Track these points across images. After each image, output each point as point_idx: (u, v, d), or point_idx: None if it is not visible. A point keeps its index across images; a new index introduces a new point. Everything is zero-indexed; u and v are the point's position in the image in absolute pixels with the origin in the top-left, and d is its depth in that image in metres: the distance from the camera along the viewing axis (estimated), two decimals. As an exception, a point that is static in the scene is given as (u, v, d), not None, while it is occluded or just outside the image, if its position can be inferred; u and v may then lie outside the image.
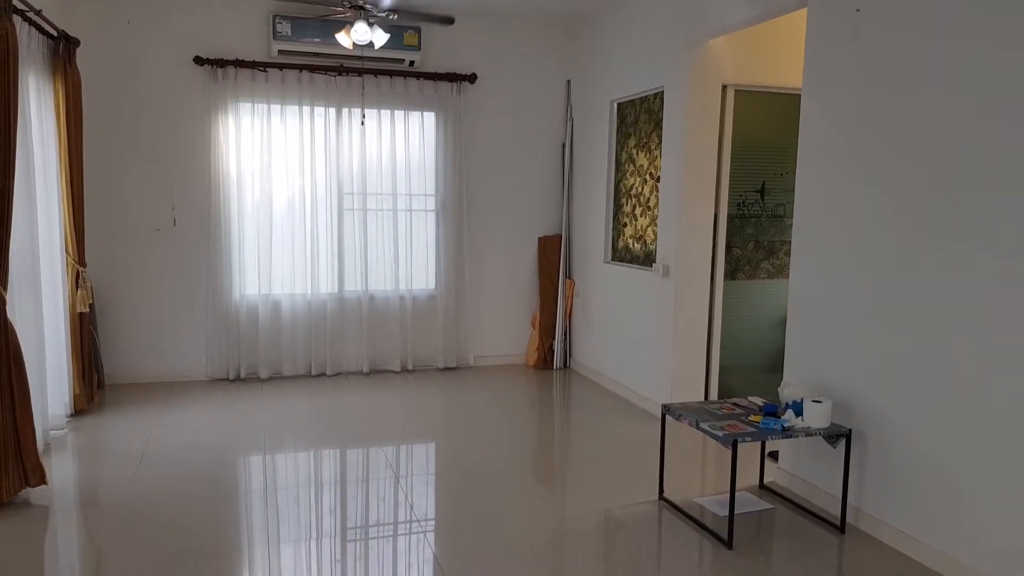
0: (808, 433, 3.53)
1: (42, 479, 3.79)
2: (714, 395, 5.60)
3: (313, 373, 6.57)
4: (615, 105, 6.34)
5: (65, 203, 4.95)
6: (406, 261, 6.74)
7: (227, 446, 4.75)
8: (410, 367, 6.84)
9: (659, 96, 5.68)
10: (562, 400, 6.18)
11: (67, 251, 5.02)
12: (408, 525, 3.68)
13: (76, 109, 5.02)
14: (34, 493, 3.85)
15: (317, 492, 4.06)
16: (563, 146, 7.12)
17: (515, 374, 6.88)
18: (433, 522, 3.71)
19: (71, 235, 5.03)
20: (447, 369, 6.94)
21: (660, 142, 5.66)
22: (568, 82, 7.07)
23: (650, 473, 4.42)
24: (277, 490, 4.05)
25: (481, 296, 7.08)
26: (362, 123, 6.41)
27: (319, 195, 6.41)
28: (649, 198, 5.84)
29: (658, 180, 5.70)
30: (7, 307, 3.62)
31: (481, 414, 5.61)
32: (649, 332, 5.73)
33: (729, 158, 5.46)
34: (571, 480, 4.34)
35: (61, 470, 4.23)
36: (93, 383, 5.42)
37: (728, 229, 5.54)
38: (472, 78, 6.68)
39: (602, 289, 6.51)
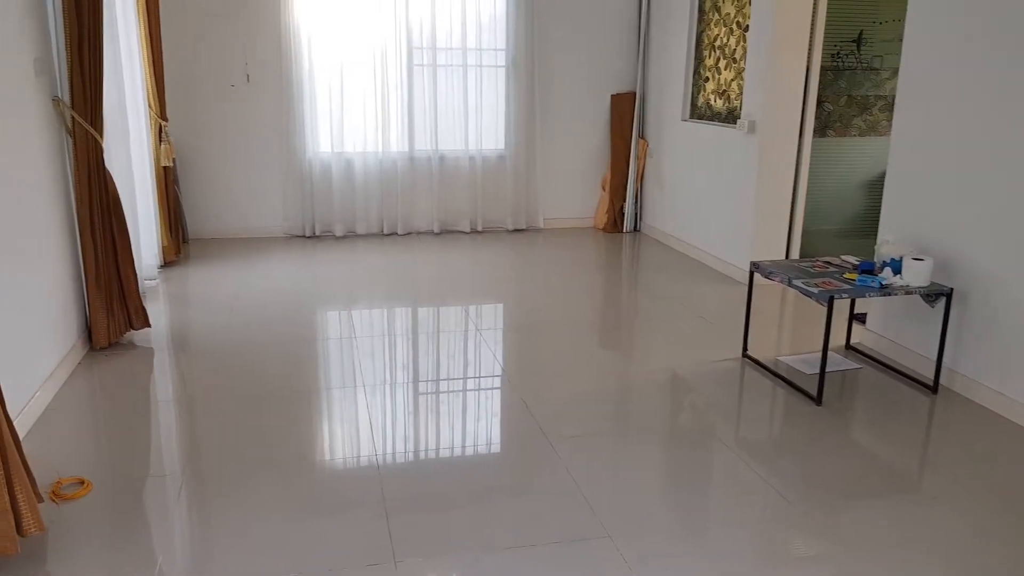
0: (908, 292, 3.45)
1: (146, 322, 3.95)
2: (795, 257, 5.49)
3: (385, 232, 6.62)
4: (701, -50, 5.93)
5: (146, 56, 4.91)
6: (476, 120, 6.61)
7: (307, 300, 4.88)
8: (479, 228, 6.84)
9: (752, -62, 5.28)
10: (634, 262, 6.15)
11: (149, 105, 5.02)
12: (477, 380, 3.76)
13: (147, -44, 4.89)
14: (138, 336, 4.03)
15: (391, 343, 4.17)
16: (639, -3, 6.76)
17: (584, 236, 6.85)
18: (514, 372, 3.79)
19: (152, 89, 5.02)
20: (516, 231, 6.93)
21: (750, -11, 5.31)
22: (648, -74, 6.62)
23: (730, 332, 4.42)
24: (356, 340, 4.16)
25: (551, 157, 6.95)
26: None
27: (388, 50, 6.24)
28: (735, 50, 5.54)
29: (746, 30, 5.39)
30: (104, 155, 3.66)
31: (553, 275, 5.62)
32: (729, 193, 5.58)
33: (825, 4, 5.12)
34: (650, 337, 4.36)
35: (158, 317, 4.41)
36: (179, 237, 5.55)
37: (820, 82, 5.27)
38: (547, -78, 6.30)
39: (678, 148, 6.32)
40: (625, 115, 6.90)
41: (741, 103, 5.46)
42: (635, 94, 6.85)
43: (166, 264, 5.35)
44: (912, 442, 3.15)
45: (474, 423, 3.26)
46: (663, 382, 3.69)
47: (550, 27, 6.62)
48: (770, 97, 5.12)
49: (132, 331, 3.94)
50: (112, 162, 4.02)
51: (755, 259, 5.36)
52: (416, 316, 4.64)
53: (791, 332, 4.54)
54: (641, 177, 6.96)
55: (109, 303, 3.75)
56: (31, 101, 3.28)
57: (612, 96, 6.92)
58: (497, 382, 3.67)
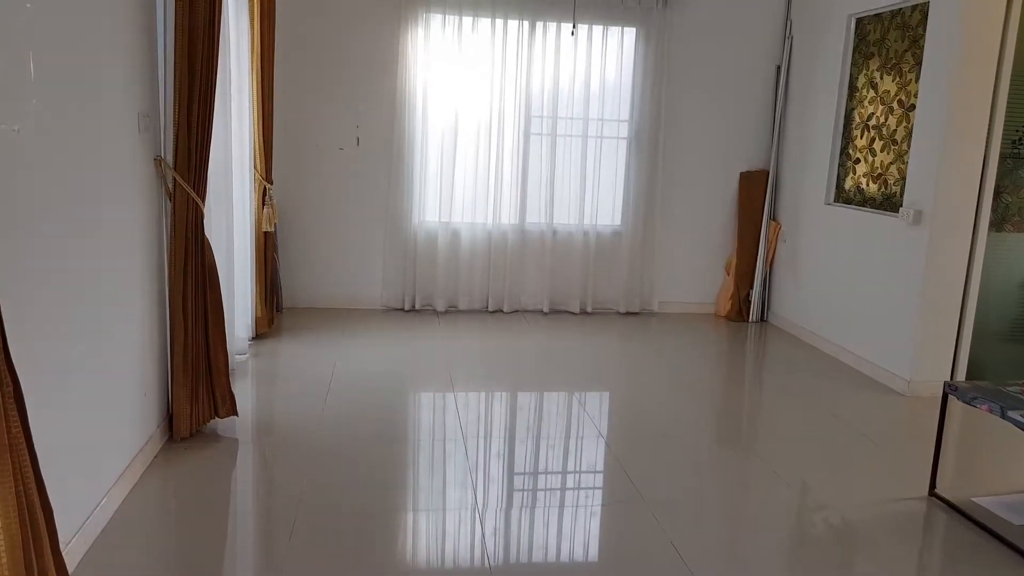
0: None
1: (232, 410, 3.52)
2: (963, 368, 4.74)
3: (490, 309, 6.14)
4: (853, 20, 5.38)
5: (256, 115, 4.64)
6: (592, 193, 6.12)
7: (406, 386, 4.40)
8: (589, 309, 6.28)
9: (919, 8, 4.71)
10: (765, 357, 5.48)
11: (255, 167, 4.73)
12: (607, 509, 3.16)
13: (270, 18, 4.65)
14: (222, 424, 3.60)
15: (502, 448, 3.62)
16: (777, 68, 6.23)
17: (704, 324, 6.22)
18: (650, 497, 3.18)
19: (260, 150, 4.73)
20: (628, 314, 6.35)
21: (916, 64, 4.72)
22: (789, -6, 6.13)
23: (903, 458, 3.70)
24: (461, 440, 3.63)
25: (670, 235, 6.39)
26: (572, 33, 5.78)
27: (506, 117, 5.86)
28: (896, 130, 4.92)
29: (911, 109, 4.78)
30: (204, 221, 3.30)
31: (675, 368, 5.01)
32: (885, 287, 4.89)
33: (1007, 85, 4.47)
34: (803, 457, 3.67)
35: (247, 399, 3.99)
36: (273, 306, 5.20)
37: (997, 171, 4.59)
38: (681, -12, 5.88)
39: (819, 234, 5.67)
40: (755, 195, 6.31)
41: (902, 189, 4.81)
42: (767, 172, 6.27)
43: (258, 336, 4.97)
44: None
45: (611, 570, 2.66)
46: (830, 524, 3.01)
47: (677, 98, 6.15)
48: (942, 185, 4.47)
49: (217, 419, 3.51)
50: (211, 227, 3.67)
51: (919, 366, 4.64)
52: (526, 413, 4.09)
53: (978, 464, 3.79)
54: (771, 262, 6.32)
55: (195, 388, 3.34)
56: (132, 160, 2.95)
57: (741, 174, 6.35)
58: (631, 514, 3.05)
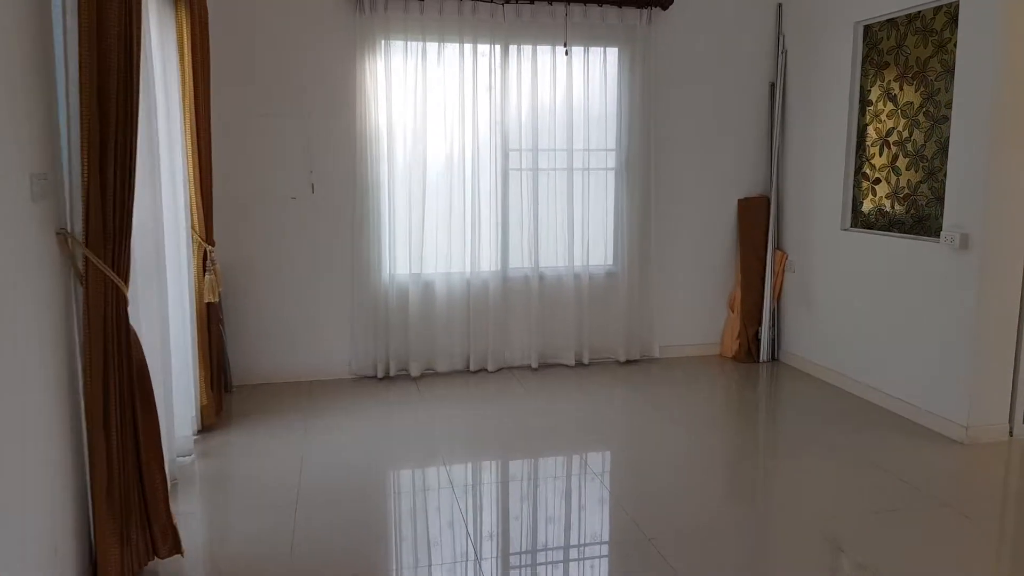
0: None
1: (176, 547, 2.73)
2: (1021, 408, 4.17)
3: (472, 369, 5.40)
4: (861, 28, 4.87)
5: (191, 167, 3.88)
6: (581, 231, 5.47)
7: (391, 481, 3.67)
8: (585, 360, 5.60)
9: (945, 11, 4.21)
10: (789, 403, 4.87)
11: (192, 227, 3.96)
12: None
13: (203, 49, 3.92)
14: (164, 567, 2.79)
15: (503, 557, 2.90)
16: (771, 86, 5.70)
17: (712, 368, 5.60)
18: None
19: (197, 207, 3.96)
20: (629, 362, 5.68)
21: (946, 71, 4.21)
22: (779, 6, 5.61)
23: (997, 529, 3.09)
24: (469, 563, 2.90)
25: (667, 272, 5.76)
26: (567, 53, 5.18)
27: (481, 152, 5.19)
28: (924, 146, 4.39)
29: (940, 121, 4.25)
30: (129, 308, 2.54)
31: (692, 424, 4.39)
32: (928, 320, 4.32)
33: (1050, 88, 3.99)
34: (875, 535, 3.02)
35: (195, 524, 3.17)
36: (220, 388, 4.40)
37: (1046, 185, 4.09)
38: (665, 2, 5.30)
39: (836, 263, 5.10)
40: (756, 223, 5.74)
41: (938, 211, 4.27)
42: (768, 198, 5.71)
43: (204, 428, 4.14)
44: None
45: None
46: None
47: (665, 123, 5.55)
48: (994, 204, 3.93)
49: (157, 560, 2.72)
50: (139, 310, 2.90)
51: (975, 409, 4.08)
52: (536, 503, 3.36)
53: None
54: (779, 296, 5.74)
55: (125, 526, 2.54)
56: (23, 236, 2.19)
57: (739, 201, 5.78)
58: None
